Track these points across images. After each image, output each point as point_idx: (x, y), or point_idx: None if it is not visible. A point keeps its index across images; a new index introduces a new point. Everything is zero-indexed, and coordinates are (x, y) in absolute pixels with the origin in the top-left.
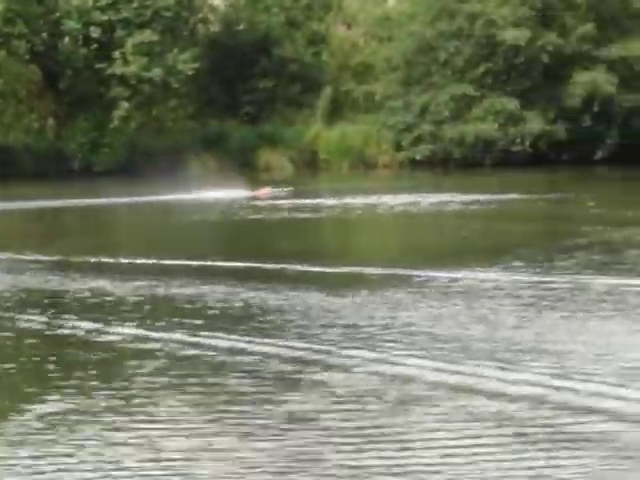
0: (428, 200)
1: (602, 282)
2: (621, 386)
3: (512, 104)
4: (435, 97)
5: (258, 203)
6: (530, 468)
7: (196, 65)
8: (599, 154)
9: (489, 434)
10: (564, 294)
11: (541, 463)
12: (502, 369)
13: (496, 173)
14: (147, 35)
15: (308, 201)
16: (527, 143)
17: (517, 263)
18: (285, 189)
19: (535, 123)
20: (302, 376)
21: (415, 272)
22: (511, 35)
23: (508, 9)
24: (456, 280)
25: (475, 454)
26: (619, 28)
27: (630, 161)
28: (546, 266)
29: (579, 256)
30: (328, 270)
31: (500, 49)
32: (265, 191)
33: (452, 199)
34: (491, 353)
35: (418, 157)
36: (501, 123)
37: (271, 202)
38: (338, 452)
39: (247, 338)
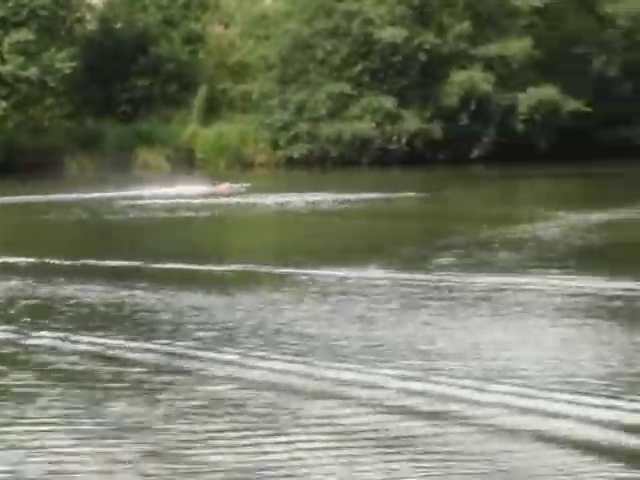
0: (306, 199)
1: (478, 280)
2: (470, 387)
3: (389, 103)
4: (312, 95)
5: (139, 202)
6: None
7: (73, 64)
8: (475, 153)
9: (339, 439)
10: (441, 293)
11: (380, 467)
12: (360, 371)
13: (373, 171)
14: (23, 34)
15: (184, 201)
16: (403, 141)
17: (394, 261)
18: (244, 185)
19: (412, 122)
20: (166, 378)
21: (294, 271)
22: (388, 34)
23: (385, 8)
24: (334, 279)
25: (330, 458)
26: (496, 26)
27: (506, 159)
28: (423, 264)
29: (456, 254)
30: (206, 269)
31: (377, 47)
32: (224, 187)
33: (330, 198)
34: (360, 354)
35: (295, 155)
36: (378, 122)
37: (152, 201)
38: (198, 455)
39: (114, 341)
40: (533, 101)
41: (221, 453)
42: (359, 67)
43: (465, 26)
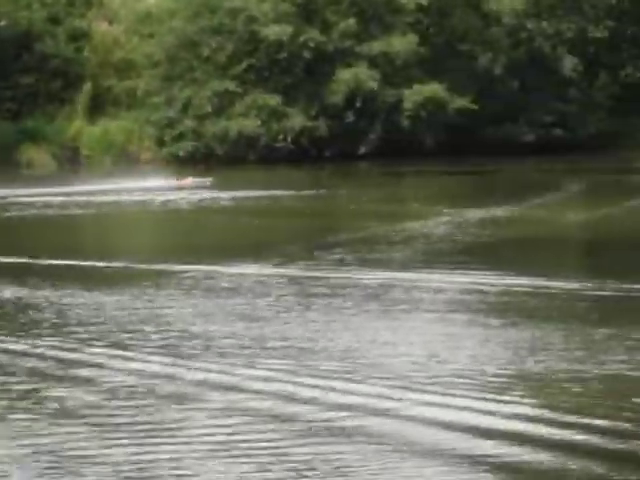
0: (192, 197)
1: (367, 277)
2: (329, 388)
3: (274, 100)
4: (197, 93)
5: (25, 200)
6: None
7: None
8: (362, 149)
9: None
10: (329, 290)
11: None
12: (226, 372)
13: (259, 169)
14: None
15: (69, 199)
16: (289, 139)
17: (281, 259)
18: (209, 179)
19: (297, 119)
20: (47, 377)
21: (180, 268)
22: (272, 31)
23: (269, 5)
24: (221, 276)
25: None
26: (381, 24)
27: (393, 156)
28: (312, 262)
29: (344, 252)
30: (93, 266)
31: (262, 45)
32: (188, 181)
33: (216, 195)
34: (234, 353)
35: (181, 153)
36: (264, 119)
37: (27, 199)
38: (86, 450)
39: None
40: (419, 98)
41: (107, 447)
42: (244, 65)
43: (350, 23)
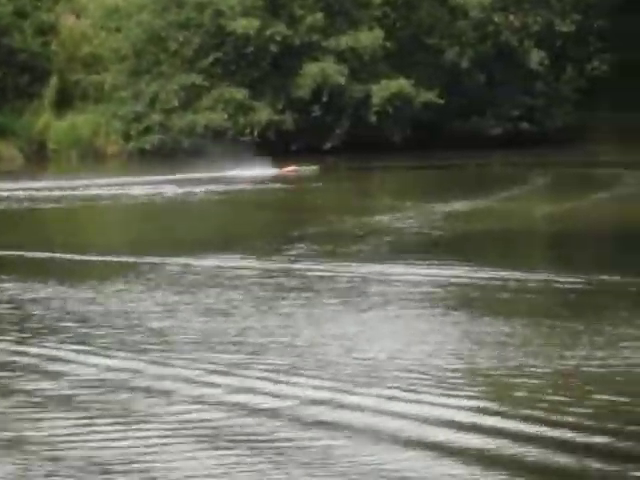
0: (161, 190)
1: (342, 271)
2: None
3: (240, 94)
4: (164, 87)
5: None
6: None
7: None
8: (329, 144)
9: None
10: (295, 283)
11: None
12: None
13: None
14: None
15: (39, 193)
16: (256, 133)
17: (248, 252)
18: (312, 167)
19: (263, 113)
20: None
21: (149, 261)
22: (240, 25)
23: None
24: (189, 269)
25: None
26: (348, 18)
27: (360, 151)
28: (277, 255)
29: (317, 245)
30: (57, 259)
31: (229, 39)
32: (291, 169)
33: (184, 189)
34: (181, 349)
35: (147, 147)
36: (230, 113)
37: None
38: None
39: None
40: (386, 93)
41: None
42: (211, 59)
43: (317, 17)
